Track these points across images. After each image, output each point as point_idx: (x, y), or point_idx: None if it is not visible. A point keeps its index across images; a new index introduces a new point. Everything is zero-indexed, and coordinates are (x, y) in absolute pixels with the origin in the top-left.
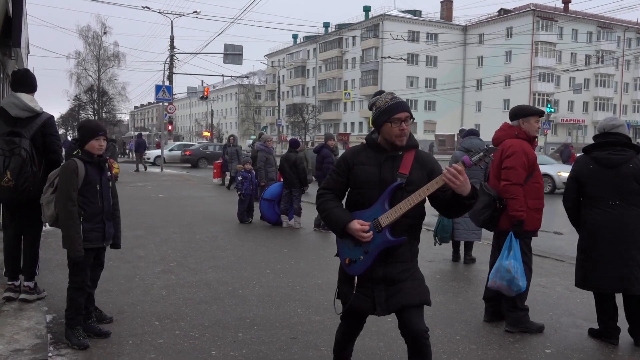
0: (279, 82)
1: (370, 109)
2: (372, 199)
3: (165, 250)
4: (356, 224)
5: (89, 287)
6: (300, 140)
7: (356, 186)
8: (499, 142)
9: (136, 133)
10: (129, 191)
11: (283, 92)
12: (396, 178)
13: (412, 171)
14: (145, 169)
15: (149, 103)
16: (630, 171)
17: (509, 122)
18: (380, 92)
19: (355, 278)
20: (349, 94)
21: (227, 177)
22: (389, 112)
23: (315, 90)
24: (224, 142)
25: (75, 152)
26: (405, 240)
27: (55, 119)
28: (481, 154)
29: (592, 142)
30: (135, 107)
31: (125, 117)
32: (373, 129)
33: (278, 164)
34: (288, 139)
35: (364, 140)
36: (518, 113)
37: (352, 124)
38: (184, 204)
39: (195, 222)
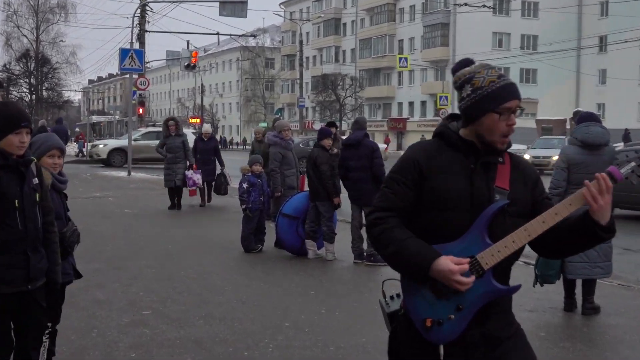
0: (301, 43)
1: (460, 87)
2: (460, 226)
3: (135, 291)
4: (450, 263)
5: (32, 348)
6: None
7: (435, 206)
8: None
9: (96, 118)
10: (81, 205)
11: (307, 58)
12: (494, 195)
13: (513, 184)
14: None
15: (111, 75)
16: None
17: None
18: (468, 62)
19: (441, 348)
20: (406, 59)
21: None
22: (498, 97)
23: (355, 55)
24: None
25: None
26: (519, 289)
27: None
28: (633, 163)
29: None
30: (91, 82)
31: (76, 97)
32: (446, 114)
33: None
34: (315, 126)
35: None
36: None
37: (411, 104)
38: (162, 224)
39: (179, 251)
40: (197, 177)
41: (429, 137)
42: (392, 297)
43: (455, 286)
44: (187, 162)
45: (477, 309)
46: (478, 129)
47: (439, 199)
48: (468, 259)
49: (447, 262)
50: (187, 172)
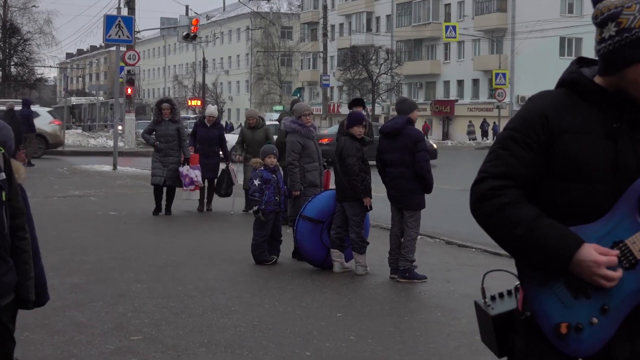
0: (325, 8)
1: (602, 24)
2: (600, 202)
3: (122, 312)
4: (594, 253)
5: None
6: (365, 111)
7: (567, 175)
8: None
9: (68, 100)
10: (56, 206)
11: (333, 26)
12: None
13: None
14: (29, 163)
15: (93, 48)
16: None
17: None
18: None
19: None
20: (454, 28)
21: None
22: None
23: (391, 23)
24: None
25: None
26: None
27: None
28: None
29: None
30: (69, 56)
31: (52, 74)
32: (503, 95)
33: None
34: (342, 110)
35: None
36: None
37: (460, 83)
38: (155, 229)
39: (176, 262)
40: (196, 174)
41: (477, 123)
42: (493, 297)
43: (599, 282)
44: (182, 156)
45: (628, 310)
46: (620, 82)
47: (573, 166)
48: (617, 252)
49: (591, 252)
50: (181, 169)
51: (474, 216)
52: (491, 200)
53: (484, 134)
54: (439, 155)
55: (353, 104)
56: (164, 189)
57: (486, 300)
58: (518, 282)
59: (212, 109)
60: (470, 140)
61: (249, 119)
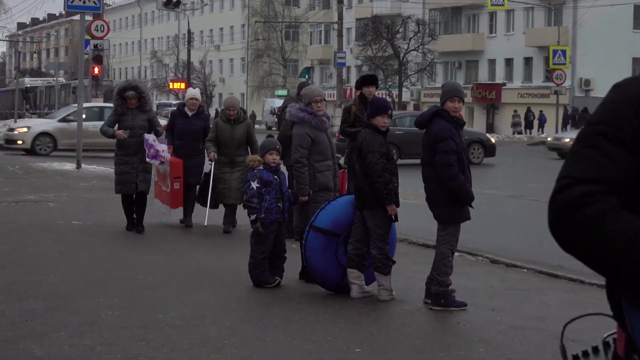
0: None
1: None
2: None
3: (89, 344)
4: None
5: None
6: (390, 98)
7: None
8: None
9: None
10: (6, 213)
11: None
12: None
13: None
14: None
15: (51, 17)
16: None
17: None
18: None
19: None
20: None
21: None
22: None
23: None
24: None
25: None
26: None
27: None
28: None
29: None
30: (21, 27)
31: (0, 49)
32: (562, 78)
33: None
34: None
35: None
36: None
37: (508, 62)
38: (129, 243)
39: (156, 284)
40: (163, 149)
41: (521, 111)
42: (576, 357)
43: None
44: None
45: None
46: None
47: None
48: None
49: None
50: (147, 136)
51: (556, 234)
52: (583, 210)
53: (528, 125)
54: None
55: (363, 82)
56: (134, 195)
57: None
58: (607, 335)
59: (192, 92)
60: (514, 133)
61: (228, 109)
